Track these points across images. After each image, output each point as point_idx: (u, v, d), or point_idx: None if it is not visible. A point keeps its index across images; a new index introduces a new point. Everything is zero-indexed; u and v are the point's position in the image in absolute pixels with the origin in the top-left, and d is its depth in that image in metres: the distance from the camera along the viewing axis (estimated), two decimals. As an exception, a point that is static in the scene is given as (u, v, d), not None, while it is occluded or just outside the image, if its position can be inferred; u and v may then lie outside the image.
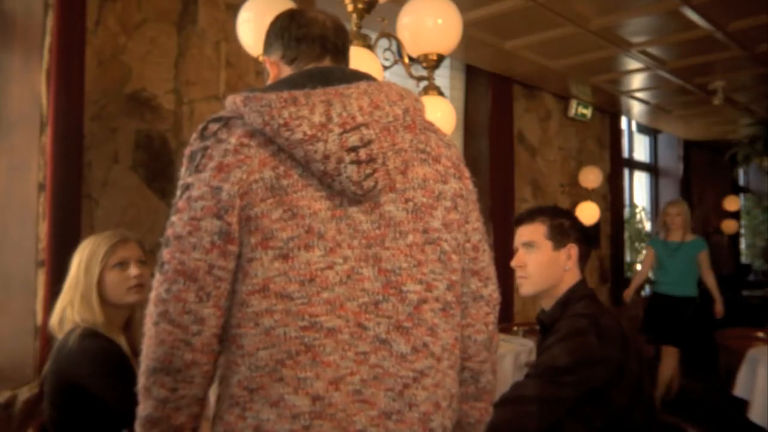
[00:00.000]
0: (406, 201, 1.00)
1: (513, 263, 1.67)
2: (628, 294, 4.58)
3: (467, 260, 1.10)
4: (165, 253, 0.93)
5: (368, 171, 0.94)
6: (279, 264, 0.92)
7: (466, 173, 1.12)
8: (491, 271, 1.14)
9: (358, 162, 0.93)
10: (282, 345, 0.90)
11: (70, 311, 1.61)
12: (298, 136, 0.91)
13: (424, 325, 0.98)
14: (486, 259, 1.13)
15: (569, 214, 1.69)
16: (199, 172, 0.94)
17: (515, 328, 3.77)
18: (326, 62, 1.09)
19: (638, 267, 6.09)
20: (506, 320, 4.22)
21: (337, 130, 0.92)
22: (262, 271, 0.92)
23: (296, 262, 0.92)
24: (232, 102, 0.98)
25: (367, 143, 0.93)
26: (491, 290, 1.13)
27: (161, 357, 0.90)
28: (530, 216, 1.66)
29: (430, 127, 1.10)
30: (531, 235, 1.63)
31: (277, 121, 0.92)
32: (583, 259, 1.66)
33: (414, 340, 0.97)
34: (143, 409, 0.93)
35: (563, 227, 1.63)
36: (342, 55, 1.12)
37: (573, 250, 1.62)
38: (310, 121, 0.92)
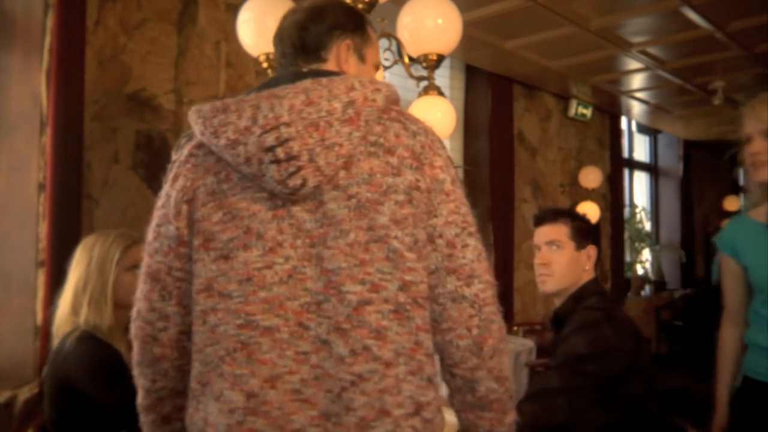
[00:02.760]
0: (349, 198, 0.95)
1: (537, 261, 1.70)
2: (722, 422, 1.86)
3: (440, 258, 1.00)
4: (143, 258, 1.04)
5: (291, 169, 0.92)
6: (221, 264, 0.96)
7: (433, 162, 1.00)
8: (477, 268, 1.01)
9: (277, 161, 0.92)
10: (223, 342, 0.94)
11: (74, 312, 1.60)
12: (223, 141, 0.94)
13: (365, 327, 0.92)
14: (468, 256, 1.01)
15: (585, 217, 1.75)
16: (165, 183, 1.04)
17: (515, 328, 3.78)
18: (298, 63, 1.08)
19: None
20: (506, 320, 4.21)
21: (258, 131, 0.93)
22: (205, 272, 0.96)
23: (235, 262, 0.95)
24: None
25: (283, 142, 0.92)
26: (477, 290, 1.00)
27: (138, 351, 1.03)
28: (553, 216, 1.71)
29: (394, 117, 1.00)
30: (555, 234, 1.67)
31: (209, 129, 0.96)
32: (597, 261, 1.71)
33: (353, 342, 0.92)
34: (138, 397, 1.07)
35: (583, 229, 1.69)
36: (303, 52, 1.08)
37: (592, 251, 1.68)
38: (236, 126, 0.94)
